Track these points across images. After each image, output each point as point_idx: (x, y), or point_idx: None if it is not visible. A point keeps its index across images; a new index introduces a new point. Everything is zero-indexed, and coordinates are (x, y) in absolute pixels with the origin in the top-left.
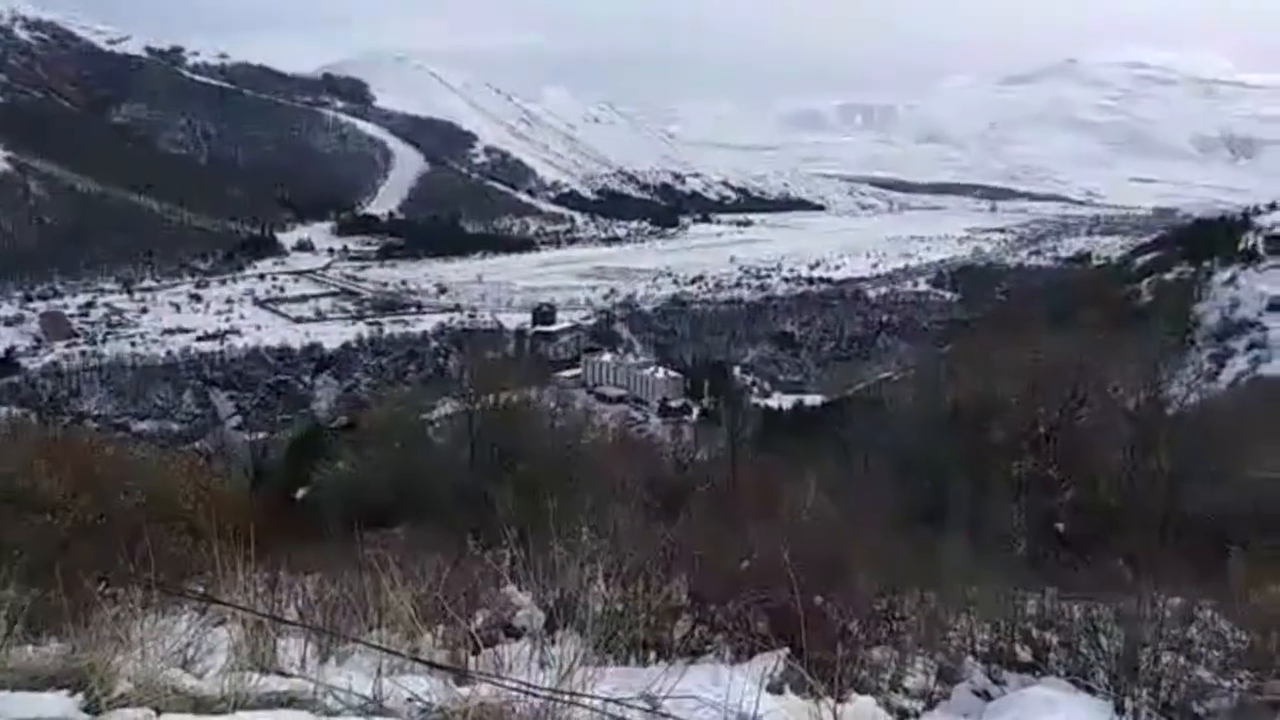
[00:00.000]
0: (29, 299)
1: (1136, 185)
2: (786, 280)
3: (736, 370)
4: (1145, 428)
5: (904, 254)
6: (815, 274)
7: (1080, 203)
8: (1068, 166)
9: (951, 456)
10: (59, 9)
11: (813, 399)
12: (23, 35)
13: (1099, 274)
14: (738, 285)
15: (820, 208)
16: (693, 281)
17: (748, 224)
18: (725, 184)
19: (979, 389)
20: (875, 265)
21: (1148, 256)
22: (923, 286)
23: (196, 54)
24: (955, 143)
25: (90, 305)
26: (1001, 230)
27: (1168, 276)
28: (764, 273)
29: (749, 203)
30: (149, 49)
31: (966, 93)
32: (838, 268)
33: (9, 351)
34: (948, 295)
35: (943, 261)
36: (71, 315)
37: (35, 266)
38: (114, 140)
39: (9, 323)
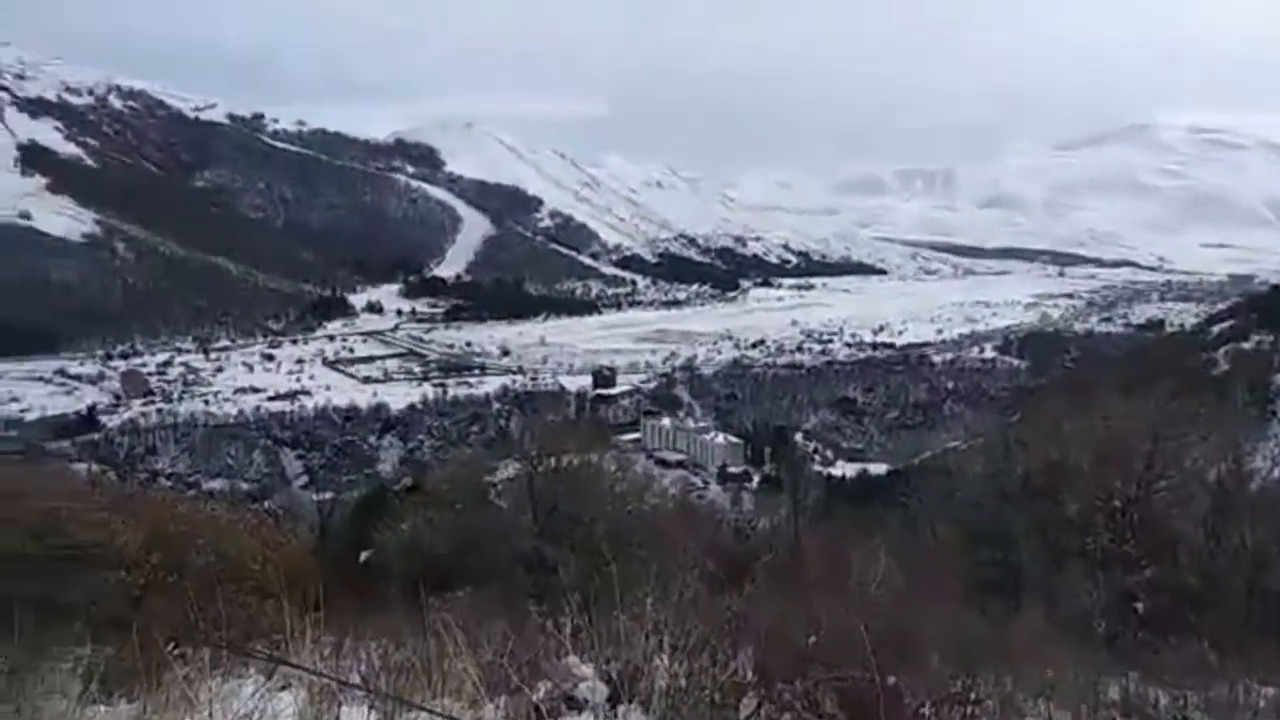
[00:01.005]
0: (110, 357)
1: (1209, 251)
2: (849, 345)
3: (798, 436)
4: (1227, 502)
5: (969, 319)
6: (878, 339)
7: (1151, 269)
8: (1136, 232)
9: (1023, 529)
10: (152, 79)
11: (877, 467)
12: (116, 104)
13: (1173, 341)
14: (799, 349)
15: (882, 272)
16: (753, 345)
17: (809, 288)
18: (786, 248)
19: (1050, 459)
20: (939, 331)
21: (1223, 324)
22: (989, 353)
23: (276, 121)
24: (1018, 207)
25: (168, 364)
26: (1069, 296)
27: (1245, 345)
28: (825, 337)
29: (810, 266)
30: (231, 116)
31: (1027, 157)
32: (901, 333)
33: (90, 409)
34: (1015, 362)
35: (1009, 328)
36: (150, 373)
37: (118, 326)
38: (196, 204)
39: (91, 380)
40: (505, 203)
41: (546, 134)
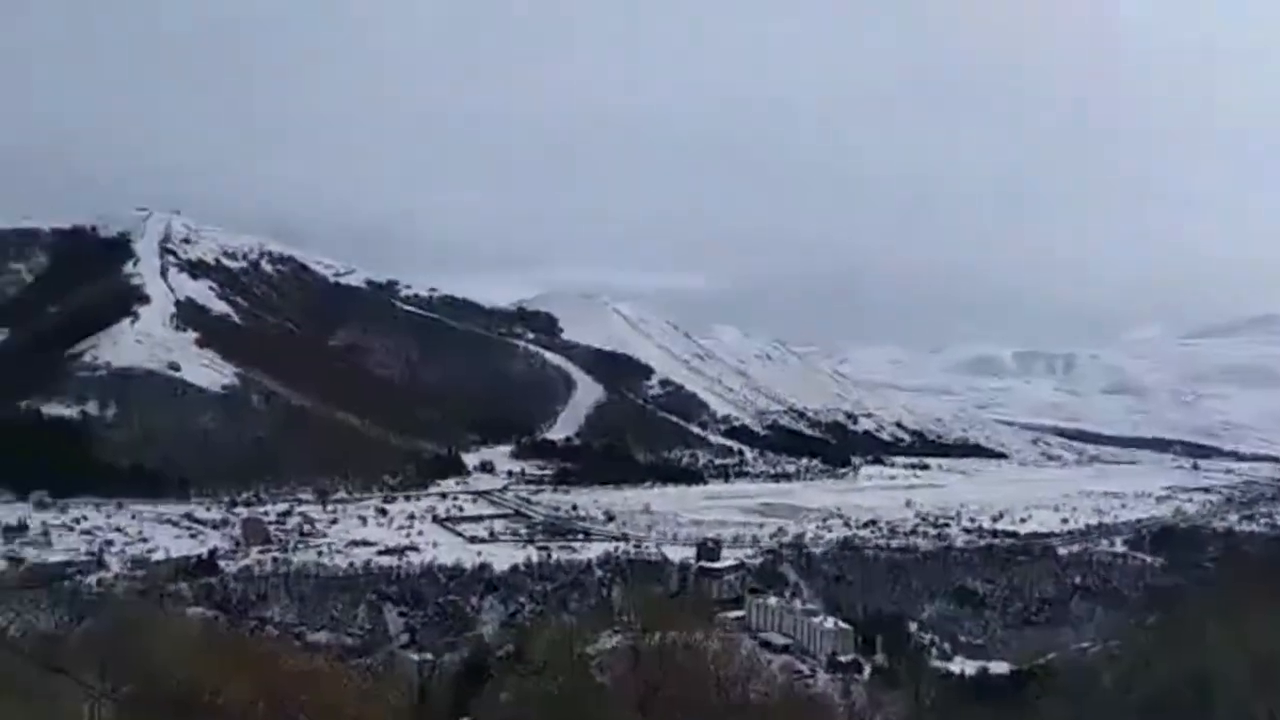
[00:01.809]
0: (235, 504)
1: None
2: (967, 530)
3: (913, 626)
4: None
5: (1096, 510)
6: (998, 526)
7: None
8: (1276, 425)
9: None
10: (302, 247)
11: (999, 666)
12: (267, 268)
13: None
14: (913, 532)
15: (1001, 455)
16: (865, 525)
17: (924, 468)
18: (899, 425)
19: (1196, 668)
20: (1065, 520)
21: None
22: (1120, 547)
23: (409, 287)
24: (1144, 395)
25: (287, 513)
26: (1206, 490)
27: None
28: (942, 521)
29: (924, 446)
30: (369, 281)
31: (1154, 344)
32: (1023, 520)
33: (211, 553)
34: (1148, 558)
35: (1140, 521)
36: (270, 522)
37: (246, 474)
38: (330, 361)
39: (216, 526)
40: (618, 370)
41: (662, 305)
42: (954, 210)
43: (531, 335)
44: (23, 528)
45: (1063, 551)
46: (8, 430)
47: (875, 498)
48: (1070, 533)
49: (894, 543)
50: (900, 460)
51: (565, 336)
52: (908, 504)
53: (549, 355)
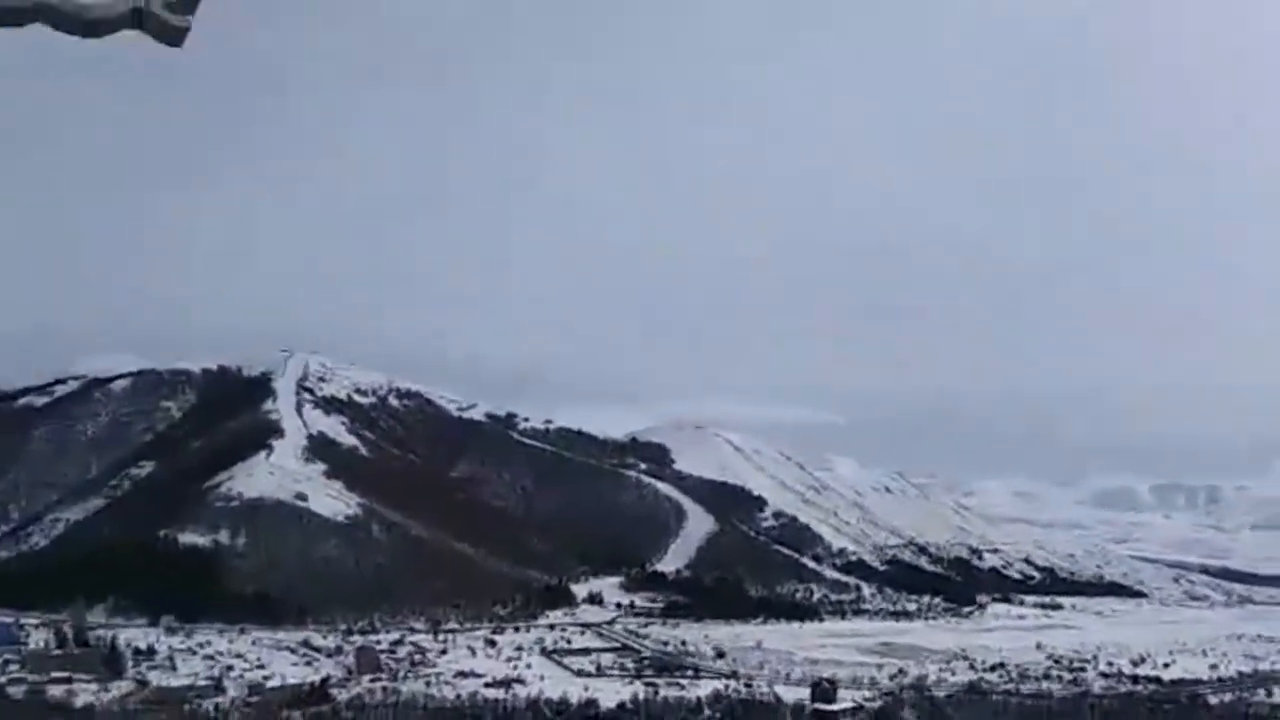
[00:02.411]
0: (350, 632)
1: None
2: (1105, 675)
3: None
4: None
5: (1250, 656)
6: (1139, 671)
7: None
8: None
9: None
10: (427, 382)
11: None
12: (394, 403)
13: None
14: (1046, 677)
15: (1140, 594)
16: (992, 668)
17: (1056, 608)
18: (1028, 561)
19: None
20: (1214, 666)
21: None
22: (1278, 698)
23: (527, 420)
24: None
25: (399, 642)
26: None
27: None
28: (1077, 664)
29: (1055, 584)
30: (488, 415)
31: None
32: (1167, 665)
33: (324, 681)
34: None
35: None
36: (382, 650)
37: (362, 602)
38: (448, 492)
39: (330, 653)
40: (730, 501)
41: (775, 436)
42: (1078, 338)
43: (643, 466)
44: (151, 652)
45: (1213, 700)
46: (146, 557)
47: (1003, 638)
48: (1221, 680)
49: (1024, 687)
50: (1030, 599)
51: (677, 467)
52: (1038, 646)
53: (660, 486)
